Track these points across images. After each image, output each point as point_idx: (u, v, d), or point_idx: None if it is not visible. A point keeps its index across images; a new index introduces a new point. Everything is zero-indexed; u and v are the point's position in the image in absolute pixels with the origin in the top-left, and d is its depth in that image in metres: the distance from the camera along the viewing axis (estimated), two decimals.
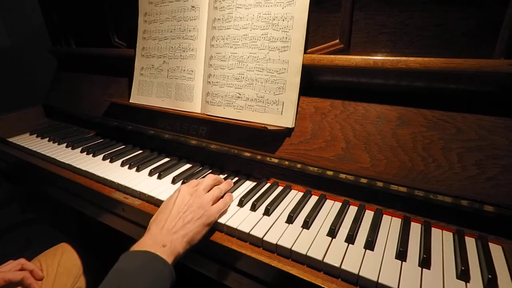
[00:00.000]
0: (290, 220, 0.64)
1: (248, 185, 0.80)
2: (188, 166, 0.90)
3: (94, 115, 1.15)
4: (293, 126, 0.76)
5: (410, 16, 0.64)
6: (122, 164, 0.90)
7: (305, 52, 0.74)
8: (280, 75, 0.76)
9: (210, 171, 0.87)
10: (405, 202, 0.65)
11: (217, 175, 0.74)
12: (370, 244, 0.57)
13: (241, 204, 0.70)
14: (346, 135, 0.70)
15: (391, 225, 0.63)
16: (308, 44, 0.75)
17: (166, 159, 0.95)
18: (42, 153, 1.01)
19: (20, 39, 2.04)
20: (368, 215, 0.66)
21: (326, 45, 0.74)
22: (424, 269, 0.52)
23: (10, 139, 1.15)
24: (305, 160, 0.72)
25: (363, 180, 0.68)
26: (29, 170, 1.05)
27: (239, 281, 0.63)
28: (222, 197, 0.70)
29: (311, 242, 0.58)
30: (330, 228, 0.60)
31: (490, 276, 0.48)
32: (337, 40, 0.73)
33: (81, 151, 1.01)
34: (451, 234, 0.61)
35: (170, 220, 0.60)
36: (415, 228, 0.62)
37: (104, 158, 0.95)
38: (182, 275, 0.52)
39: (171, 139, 0.96)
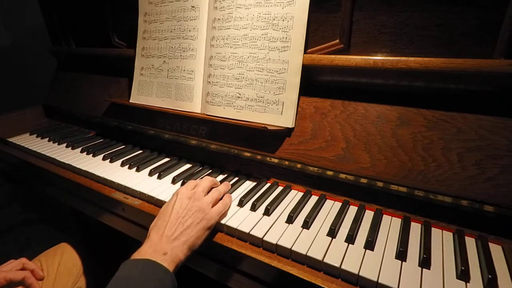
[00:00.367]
0: (290, 220, 0.64)
1: (248, 185, 0.80)
2: (188, 166, 0.90)
3: (94, 115, 1.15)
4: (293, 126, 0.76)
5: (410, 16, 0.64)
6: (122, 164, 0.90)
7: (305, 52, 0.74)
8: (280, 75, 0.76)
9: (210, 171, 0.87)
10: (405, 202, 0.66)
11: (213, 178, 0.74)
12: (370, 244, 0.57)
13: (241, 204, 0.70)
14: (346, 135, 0.70)
15: (391, 225, 0.63)
16: (308, 44, 0.75)
17: (166, 159, 0.95)
18: (42, 153, 1.01)
19: (20, 39, 2.04)
20: (368, 215, 0.66)
21: (326, 45, 0.74)
22: (424, 269, 0.52)
23: (10, 139, 1.15)
24: (305, 160, 0.72)
25: (363, 180, 0.68)
26: (29, 170, 1.05)
27: (239, 281, 0.63)
28: (221, 198, 0.69)
29: (311, 242, 0.58)
30: (330, 228, 0.60)
31: (490, 276, 0.48)
32: (337, 40, 0.73)
33: (81, 151, 1.01)
34: (451, 234, 0.61)
35: (169, 226, 0.60)
36: (415, 228, 0.62)
37: (104, 158, 0.95)
38: (182, 275, 0.52)
39: (171, 139, 0.96)
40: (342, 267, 0.52)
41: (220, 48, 0.83)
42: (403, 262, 0.53)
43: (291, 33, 0.73)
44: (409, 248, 0.56)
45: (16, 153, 1.08)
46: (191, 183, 0.70)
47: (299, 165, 0.75)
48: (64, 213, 1.70)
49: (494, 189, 0.56)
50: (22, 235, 1.85)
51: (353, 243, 0.58)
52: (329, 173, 0.71)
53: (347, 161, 0.68)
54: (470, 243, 0.58)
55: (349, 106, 0.71)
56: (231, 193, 0.74)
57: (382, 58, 0.65)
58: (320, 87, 0.76)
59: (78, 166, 0.90)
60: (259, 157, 0.80)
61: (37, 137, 1.17)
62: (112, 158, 0.93)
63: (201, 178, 0.74)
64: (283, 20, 0.74)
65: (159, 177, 0.83)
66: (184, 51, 0.91)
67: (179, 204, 0.63)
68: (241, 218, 0.65)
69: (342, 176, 0.70)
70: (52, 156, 0.98)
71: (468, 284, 0.49)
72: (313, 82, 0.76)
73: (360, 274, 0.51)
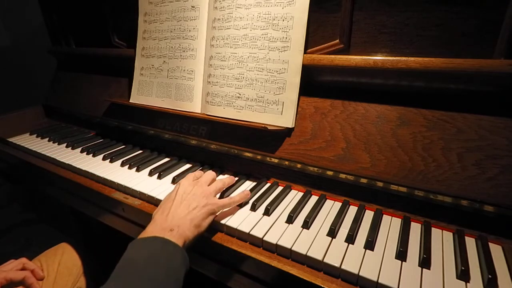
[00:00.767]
0: (290, 220, 0.64)
1: (248, 185, 0.80)
2: (188, 166, 0.90)
3: (94, 115, 1.15)
4: (293, 126, 0.76)
5: (410, 16, 0.64)
6: (122, 164, 0.90)
7: (305, 52, 0.74)
8: (280, 75, 0.76)
9: (210, 171, 0.86)
10: (405, 202, 0.66)
11: (215, 173, 0.74)
12: (370, 244, 0.57)
13: (241, 204, 0.70)
14: (346, 135, 0.70)
15: (391, 225, 0.63)
16: (308, 44, 0.75)
17: (166, 159, 0.95)
18: (42, 153, 1.01)
19: (20, 39, 2.04)
20: (368, 215, 0.66)
21: (326, 45, 0.74)
22: (424, 269, 0.52)
23: (10, 139, 1.15)
24: (305, 160, 0.72)
25: (363, 180, 0.68)
26: (29, 170, 1.05)
27: (239, 281, 0.63)
28: (224, 195, 0.70)
29: (311, 242, 0.58)
30: (330, 228, 0.60)
31: (490, 276, 0.48)
32: (337, 40, 0.73)
33: (81, 151, 1.01)
34: (451, 234, 0.61)
35: (174, 207, 0.60)
36: (415, 228, 0.62)
37: (104, 158, 0.95)
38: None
39: (171, 139, 0.96)
40: (342, 267, 0.52)
41: (220, 48, 0.83)
42: (403, 262, 0.53)
43: (291, 33, 0.73)
44: (409, 248, 0.56)
45: (16, 153, 1.08)
46: (190, 175, 0.70)
47: (299, 165, 0.75)
48: (64, 213, 1.70)
49: (494, 189, 0.56)
50: (22, 235, 1.85)
51: (353, 243, 0.58)
52: (329, 173, 0.71)
53: (347, 161, 0.68)
54: (470, 243, 0.58)
55: (349, 106, 0.71)
56: (230, 194, 0.74)
57: (382, 58, 0.65)
58: (320, 87, 0.76)
59: (78, 166, 0.90)
60: (259, 157, 0.80)
61: (37, 137, 1.17)
62: (112, 158, 0.93)
63: None
64: (283, 20, 0.74)
65: (159, 177, 0.83)
66: (184, 51, 0.91)
67: (182, 189, 0.64)
68: (241, 218, 0.65)
69: (342, 176, 0.70)
70: (52, 156, 0.98)
71: (468, 284, 0.49)
72: (313, 82, 0.76)
73: (360, 274, 0.51)
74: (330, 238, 0.59)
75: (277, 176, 0.80)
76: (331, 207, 0.69)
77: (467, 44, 0.61)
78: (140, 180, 0.82)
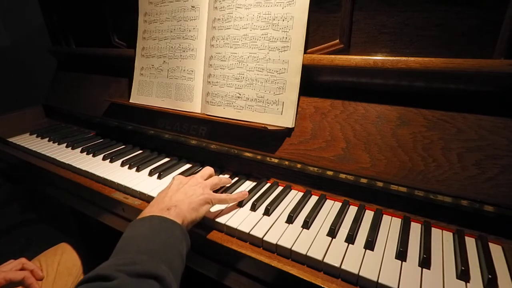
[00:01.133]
0: (290, 220, 0.64)
1: (248, 185, 0.80)
2: (188, 166, 0.90)
3: (94, 115, 1.15)
4: (293, 126, 0.76)
5: (410, 16, 0.64)
6: (122, 164, 0.90)
7: (305, 52, 0.74)
8: (280, 75, 0.76)
9: (208, 166, 0.86)
10: (405, 202, 0.65)
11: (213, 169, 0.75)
12: (370, 244, 0.57)
13: (241, 204, 0.70)
14: (346, 135, 0.70)
15: (391, 225, 0.63)
16: (308, 44, 0.75)
17: (166, 159, 0.95)
18: (42, 153, 1.01)
19: (20, 39, 2.04)
20: (368, 215, 0.66)
21: (326, 45, 0.74)
22: (424, 269, 0.52)
23: (10, 139, 1.15)
24: (305, 160, 0.72)
25: (363, 180, 0.68)
26: (29, 170, 1.05)
27: (239, 281, 0.63)
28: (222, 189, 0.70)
29: (311, 242, 0.58)
30: (330, 228, 0.60)
31: (490, 276, 0.48)
32: (337, 40, 0.73)
33: (81, 151, 1.01)
34: (451, 234, 0.61)
35: (171, 192, 0.59)
36: (415, 228, 0.62)
37: (104, 158, 0.95)
38: (182, 275, 0.52)
39: (171, 139, 0.96)
40: (342, 267, 0.52)
41: (220, 48, 0.83)
42: (403, 262, 0.53)
43: (291, 33, 0.73)
44: (409, 248, 0.56)
45: (16, 153, 1.08)
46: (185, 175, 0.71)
47: (299, 165, 0.75)
48: (64, 213, 1.70)
49: (494, 189, 0.56)
50: (22, 235, 1.85)
51: (353, 243, 0.58)
52: (329, 173, 0.71)
53: (347, 161, 0.68)
54: (470, 243, 0.58)
55: (349, 106, 0.71)
56: (231, 193, 0.74)
57: (382, 58, 0.65)
58: (320, 87, 0.76)
59: (78, 166, 0.90)
60: (259, 157, 0.80)
61: (37, 137, 1.17)
62: (112, 158, 0.93)
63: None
64: (283, 20, 0.74)
65: (159, 177, 0.83)
66: (184, 51, 0.91)
67: (178, 181, 0.64)
68: (241, 218, 0.65)
69: (342, 176, 0.70)
70: (52, 156, 0.98)
71: (468, 284, 0.49)
72: (313, 82, 0.76)
73: (360, 274, 0.51)
74: (330, 238, 0.59)
75: (277, 176, 0.80)
76: (331, 207, 0.69)
77: (467, 44, 0.61)
78: (140, 180, 0.82)
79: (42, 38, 1.49)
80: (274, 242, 0.58)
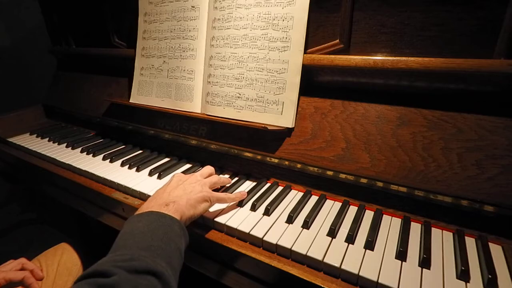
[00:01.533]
0: (290, 220, 0.64)
1: (248, 185, 0.80)
2: (188, 166, 0.90)
3: (94, 115, 1.15)
4: (293, 126, 0.76)
5: (410, 16, 0.64)
6: (122, 164, 0.90)
7: (305, 52, 0.74)
8: (280, 75, 0.76)
9: (209, 166, 0.86)
10: (405, 202, 0.66)
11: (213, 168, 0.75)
12: (370, 244, 0.57)
13: (241, 204, 0.70)
14: (346, 135, 0.70)
15: (391, 225, 0.63)
16: (308, 44, 0.75)
17: (166, 159, 0.95)
18: (42, 153, 1.01)
19: (20, 39, 2.04)
20: (368, 215, 0.66)
21: (326, 45, 0.74)
22: (424, 269, 0.52)
23: (10, 139, 1.15)
24: (305, 160, 0.72)
25: (363, 180, 0.68)
26: (29, 170, 1.05)
27: (239, 281, 0.63)
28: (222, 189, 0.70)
29: (311, 242, 0.58)
30: (330, 228, 0.60)
31: (490, 276, 0.48)
32: (337, 40, 0.73)
33: (81, 151, 1.01)
34: (451, 234, 0.61)
35: (169, 189, 0.59)
36: (415, 228, 0.62)
37: (104, 158, 0.95)
38: (182, 275, 0.52)
39: (171, 139, 0.96)
40: (342, 267, 0.52)
41: (220, 48, 0.83)
42: (403, 262, 0.53)
43: (291, 33, 0.73)
44: (409, 248, 0.56)
45: (16, 153, 1.08)
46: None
47: (299, 165, 0.75)
48: (64, 213, 1.70)
49: (494, 189, 0.56)
50: (22, 235, 1.85)
51: (353, 243, 0.58)
52: (329, 173, 0.71)
53: (347, 161, 0.68)
54: (470, 243, 0.58)
55: (349, 106, 0.71)
56: (231, 193, 0.74)
57: (382, 58, 0.65)
58: (320, 87, 0.76)
59: (78, 166, 0.90)
60: (259, 157, 0.80)
61: (37, 137, 1.17)
62: (112, 158, 0.93)
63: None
64: (283, 20, 0.74)
65: (159, 177, 0.83)
66: (184, 51, 0.91)
67: (177, 178, 0.64)
68: (241, 218, 0.65)
69: (342, 176, 0.70)
70: (52, 156, 0.98)
71: (468, 284, 0.49)
72: (313, 82, 0.76)
73: (360, 274, 0.51)
74: (330, 238, 0.59)
75: (277, 176, 0.80)
76: (331, 207, 0.69)
77: (467, 44, 0.61)
78: (140, 180, 0.82)
79: (42, 38, 1.49)
80: (274, 242, 0.58)
